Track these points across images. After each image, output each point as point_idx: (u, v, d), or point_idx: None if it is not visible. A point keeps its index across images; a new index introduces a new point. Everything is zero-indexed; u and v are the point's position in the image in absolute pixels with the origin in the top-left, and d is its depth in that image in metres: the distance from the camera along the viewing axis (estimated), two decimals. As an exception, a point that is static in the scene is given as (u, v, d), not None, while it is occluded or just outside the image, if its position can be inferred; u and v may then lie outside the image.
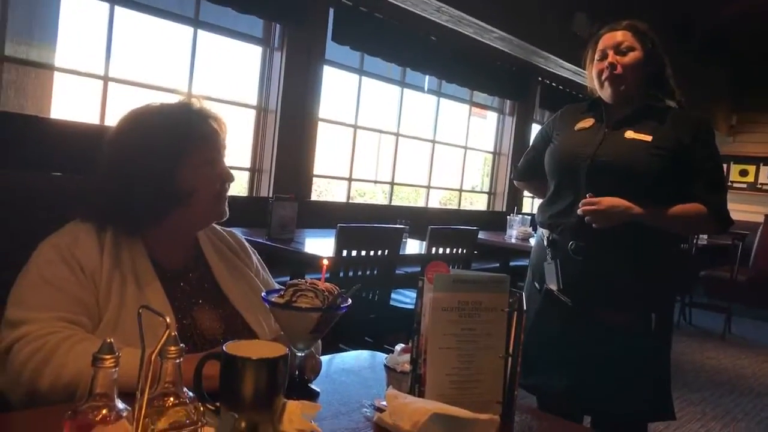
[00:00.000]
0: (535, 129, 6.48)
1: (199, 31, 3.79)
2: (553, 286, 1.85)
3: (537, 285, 1.92)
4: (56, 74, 3.24)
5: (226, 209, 1.22)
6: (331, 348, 1.27)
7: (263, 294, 1.00)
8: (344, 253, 2.86)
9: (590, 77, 1.94)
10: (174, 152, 1.13)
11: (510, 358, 0.89)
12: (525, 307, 0.88)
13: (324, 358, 1.20)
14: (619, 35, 1.84)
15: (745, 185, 8.80)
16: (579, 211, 1.76)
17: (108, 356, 0.64)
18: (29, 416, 0.91)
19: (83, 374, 0.88)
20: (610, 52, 1.83)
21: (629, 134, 1.80)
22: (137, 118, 1.17)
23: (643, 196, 1.74)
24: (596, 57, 1.89)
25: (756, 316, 6.69)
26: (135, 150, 1.12)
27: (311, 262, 2.95)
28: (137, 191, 1.11)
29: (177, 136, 1.14)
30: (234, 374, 0.80)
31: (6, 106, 3.03)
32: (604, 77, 1.84)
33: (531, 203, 6.82)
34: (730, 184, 8.57)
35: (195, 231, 1.25)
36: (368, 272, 3.05)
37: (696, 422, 3.50)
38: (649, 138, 1.77)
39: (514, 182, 2.36)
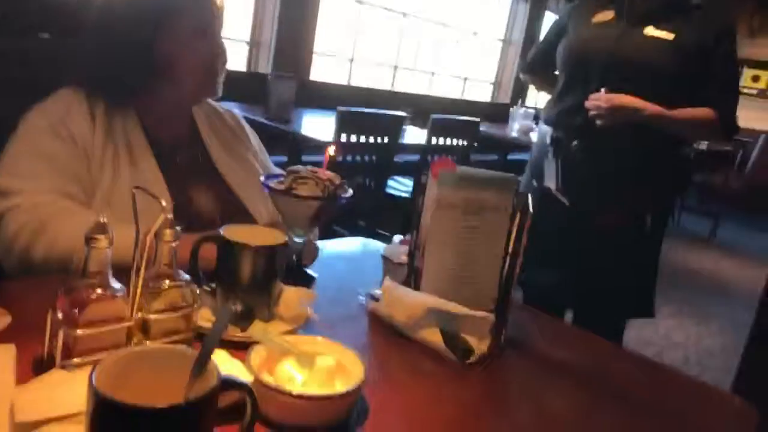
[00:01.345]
0: (550, 18, 6.19)
1: None
2: (551, 185, 1.83)
3: (535, 183, 1.90)
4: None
5: (218, 87, 1.15)
6: (325, 231, 1.26)
7: (262, 179, 0.97)
8: (343, 137, 2.81)
9: (615, -37, 1.80)
10: (155, 18, 1.05)
11: (509, 258, 0.89)
12: (531, 210, 0.86)
13: (319, 243, 1.20)
14: None
15: (755, 91, 8.53)
16: (586, 103, 1.71)
17: (101, 236, 0.62)
18: (23, 285, 0.90)
19: (77, 247, 0.86)
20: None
21: (649, 31, 1.71)
22: None
23: (657, 96, 1.68)
24: (625, -59, 1.74)
25: (743, 223, 6.79)
26: (116, 13, 1.06)
27: (311, 145, 2.91)
28: (116, 58, 1.05)
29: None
30: (232, 260, 0.79)
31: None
32: None
33: (536, 96, 6.66)
34: (740, 89, 8.31)
35: (187, 106, 1.20)
36: (366, 158, 3.01)
37: (671, 319, 3.65)
38: (670, 36, 1.69)
39: (521, 76, 2.27)
